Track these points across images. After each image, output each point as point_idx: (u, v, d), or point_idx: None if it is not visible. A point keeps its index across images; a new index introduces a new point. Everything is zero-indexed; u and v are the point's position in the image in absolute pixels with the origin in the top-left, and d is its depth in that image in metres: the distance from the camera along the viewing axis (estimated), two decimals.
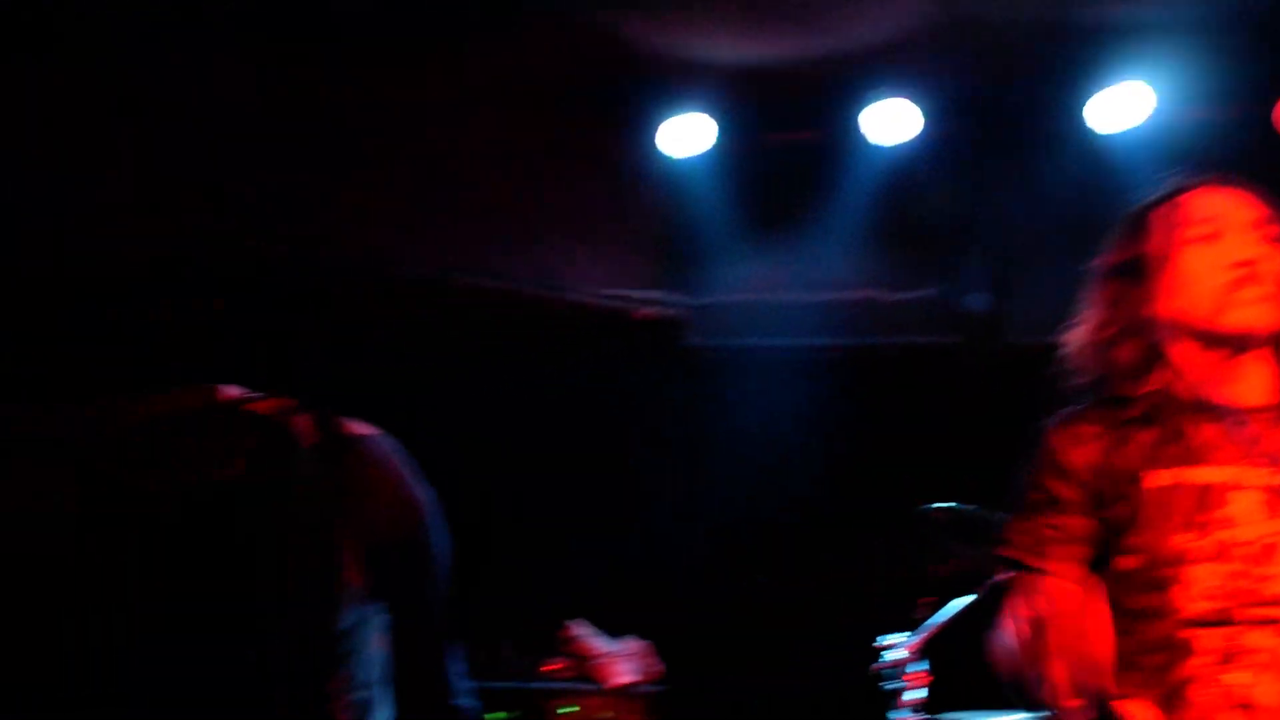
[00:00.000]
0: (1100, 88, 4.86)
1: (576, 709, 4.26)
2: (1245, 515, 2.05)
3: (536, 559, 4.99)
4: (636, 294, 5.50)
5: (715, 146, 5.15)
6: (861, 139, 5.05)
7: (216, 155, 4.70)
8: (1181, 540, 2.06)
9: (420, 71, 4.94)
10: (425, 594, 1.91)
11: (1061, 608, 2.12)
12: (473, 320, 5.21)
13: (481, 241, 5.24)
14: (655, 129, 5.14)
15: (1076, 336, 2.31)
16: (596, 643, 4.48)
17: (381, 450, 1.87)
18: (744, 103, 5.04)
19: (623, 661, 4.40)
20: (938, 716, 3.77)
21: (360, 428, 1.86)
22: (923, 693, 3.67)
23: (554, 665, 4.39)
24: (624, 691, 4.33)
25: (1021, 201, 5.19)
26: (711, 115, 5.10)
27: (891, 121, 4.98)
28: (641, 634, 4.62)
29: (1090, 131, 4.95)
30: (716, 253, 5.48)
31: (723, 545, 5.39)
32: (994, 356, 5.23)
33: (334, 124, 4.94)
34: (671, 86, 5.02)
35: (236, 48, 4.61)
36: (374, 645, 1.84)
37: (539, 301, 5.30)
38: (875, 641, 3.74)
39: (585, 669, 4.40)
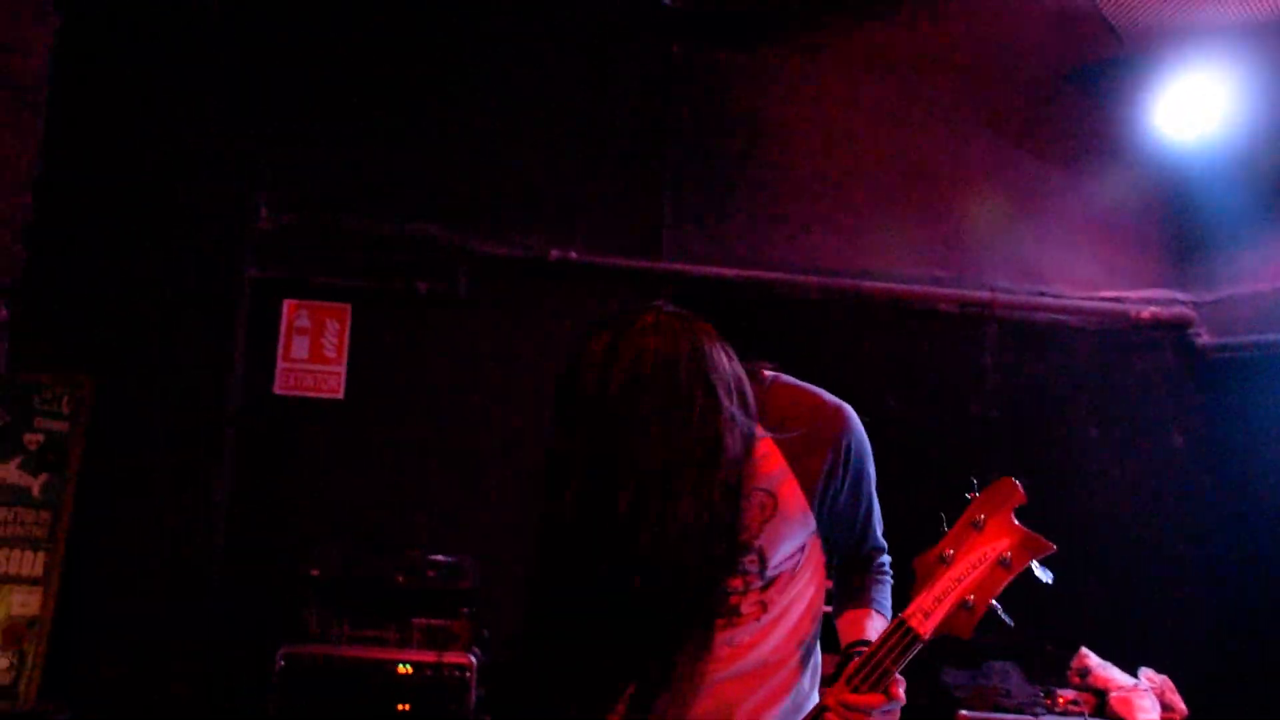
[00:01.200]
0: None
1: None
2: None
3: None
4: (1137, 293, 5.16)
5: (1221, 118, 4.67)
6: None
7: None
8: None
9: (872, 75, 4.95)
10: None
11: None
12: (963, 334, 5.11)
13: (963, 250, 5.13)
14: (1150, 106, 4.78)
15: None
16: (1113, 674, 4.26)
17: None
18: (1254, 62, 4.52)
19: (1143, 697, 4.15)
20: None
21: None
22: None
23: (1066, 697, 4.18)
24: None
25: None
26: (1215, 82, 4.63)
27: None
28: (1158, 667, 4.34)
29: None
30: (1226, 240, 5.04)
31: (1249, 568, 4.86)
32: None
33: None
34: (1167, 53, 4.61)
35: None
36: None
37: (1029, 308, 5.09)
38: None
39: (1103, 704, 4.18)
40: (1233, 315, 5.06)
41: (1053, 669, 4.41)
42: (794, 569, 2.23)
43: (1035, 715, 4.09)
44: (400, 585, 4.36)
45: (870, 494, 2.31)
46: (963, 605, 1.97)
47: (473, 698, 4.12)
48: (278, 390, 4.74)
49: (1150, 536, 5.01)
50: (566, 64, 5.04)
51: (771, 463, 2.17)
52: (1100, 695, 4.20)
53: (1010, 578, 1.97)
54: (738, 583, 2.18)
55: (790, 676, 2.27)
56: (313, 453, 4.75)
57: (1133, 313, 5.11)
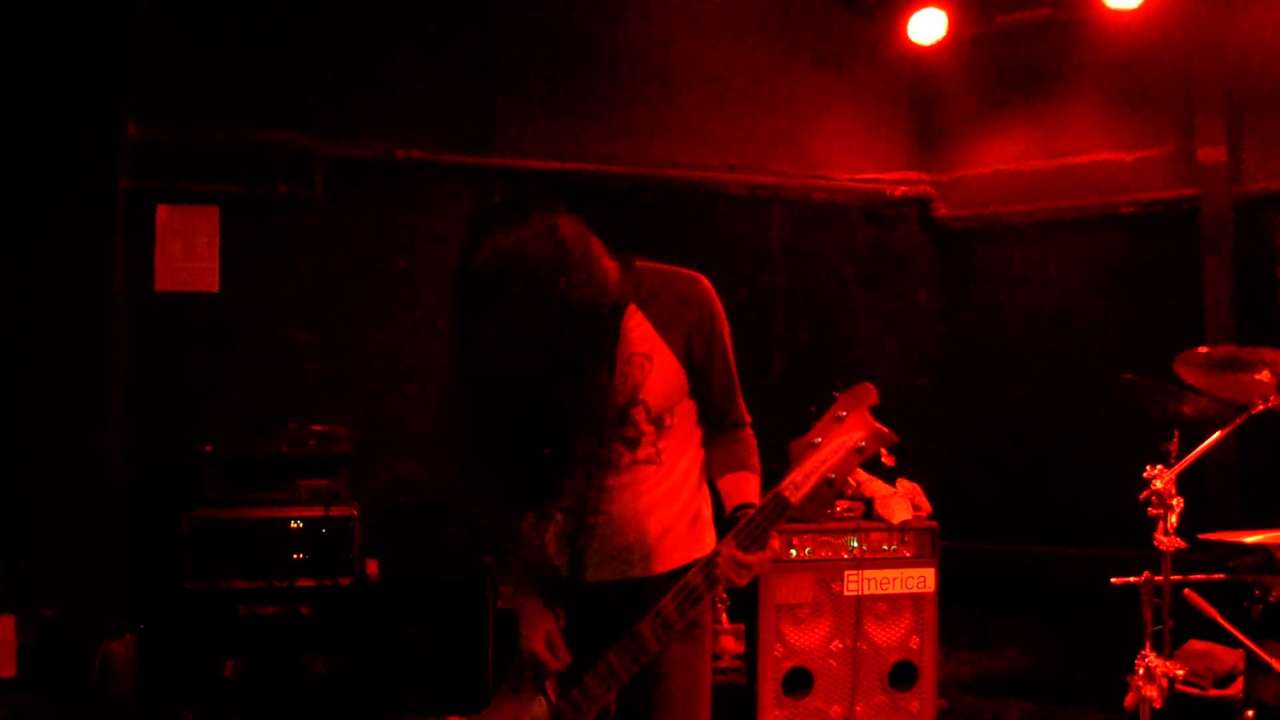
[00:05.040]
0: None
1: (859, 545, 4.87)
2: None
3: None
4: (891, 175, 6.01)
5: (953, 32, 5.58)
6: (1092, 8, 5.33)
7: None
8: None
9: None
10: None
11: None
12: (752, 213, 5.84)
13: (751, 142, 5.84)
14: (901, 22, 5.61)
15: None
16: (877, 486, 4.94)
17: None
18: None
19: (899, 501, 4.87)
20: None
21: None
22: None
23: (844, 505, 4.82)
24: (903, 527, 4.81)
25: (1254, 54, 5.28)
26: (943, 7, 5.53)
27: None
28: (909, 477, 5.06)
29: None
30: (960, 131, 5.93)
31: (976, 395, 5.93)
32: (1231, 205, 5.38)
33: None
34: None
35: None
36: None
37: (806, 189, 5.88)
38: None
39: (870, 509, 4.85)
40: (963, 192, 5.98)
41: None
42: (675, 419, 2.56)
43: (820, 522, 4.66)
44: (285, 454, 4.71)
45: (726, 355, 2.60)
46: (825, 482, 2.23)
47: (357, 543, 4.56)
48: (159, 288, 5.11)
49: (903, 375, 5.95)
50: None
51: (645, 331, 2.51)
52: (868, 502, 4.82)
53: (862, 460, 2.23)
54: (632, 432, 2.52)
55: (690, 499, 2.64)
56: (196, 341, 5.13)
57: (888, 191, 5.96)
